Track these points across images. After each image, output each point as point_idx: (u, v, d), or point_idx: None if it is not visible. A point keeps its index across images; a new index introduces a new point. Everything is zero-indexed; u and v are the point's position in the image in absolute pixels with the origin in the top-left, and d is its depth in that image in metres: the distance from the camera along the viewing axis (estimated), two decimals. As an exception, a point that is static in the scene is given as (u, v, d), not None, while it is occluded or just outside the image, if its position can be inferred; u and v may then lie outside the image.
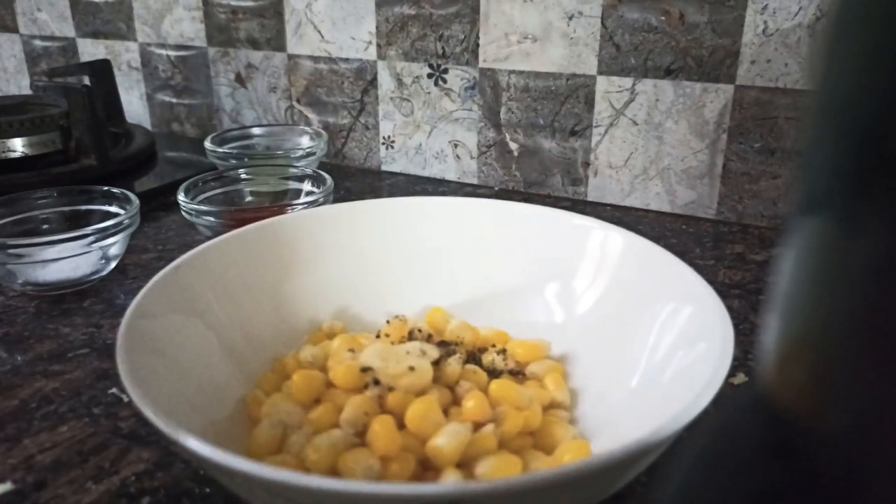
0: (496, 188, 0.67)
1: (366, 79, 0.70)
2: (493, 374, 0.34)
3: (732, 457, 0.13)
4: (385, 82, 0.69)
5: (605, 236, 0.38)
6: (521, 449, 0.30)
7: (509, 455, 0.28)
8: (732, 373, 0.29)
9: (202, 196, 0.54)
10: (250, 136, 0.71)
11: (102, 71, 0.74)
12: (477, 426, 0.29)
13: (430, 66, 0.66)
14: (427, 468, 0.28)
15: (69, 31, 0.87)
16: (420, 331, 0.36)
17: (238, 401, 0.32)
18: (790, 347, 0.12)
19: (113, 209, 0.50)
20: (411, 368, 0.30)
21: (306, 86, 0.74)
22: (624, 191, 0.62)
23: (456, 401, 0.31)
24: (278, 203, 0.56)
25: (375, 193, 0.67)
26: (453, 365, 0.32)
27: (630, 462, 0.23)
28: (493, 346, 0.36)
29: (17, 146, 0.63)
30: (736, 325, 0.28)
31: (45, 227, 0.50)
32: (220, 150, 0.64)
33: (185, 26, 0.78)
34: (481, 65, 0.64)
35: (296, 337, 0.37)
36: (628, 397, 0.31)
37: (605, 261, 0.37)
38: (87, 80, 0.71)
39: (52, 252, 0.44)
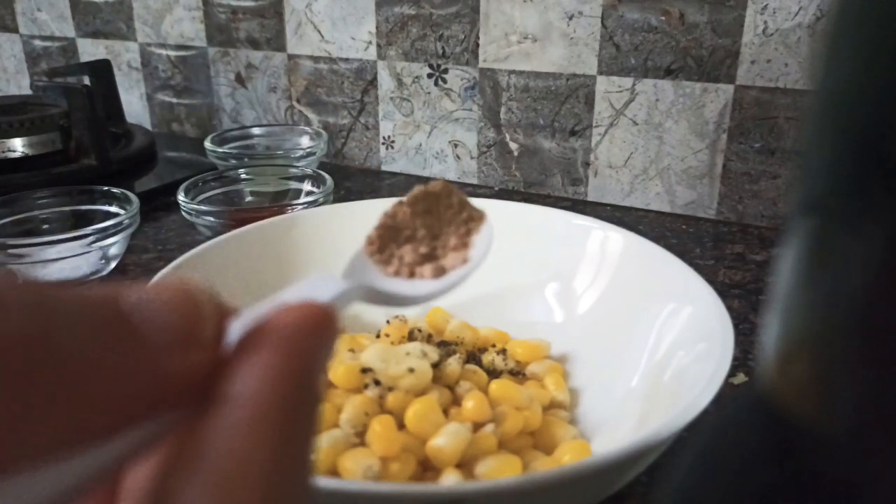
0: (496, 188, 0.67)
1: (366, 79, 0.70)
2: (493, 374, 0.34)
3: (733, 456, 0.13)
4: (385, 82, 0.69)
5: (605, 236, 0.38)
6: (521, 449, 0.30)
7: (509, 455, 0.28)
8: (732, 373, 0.29)
9: (202, 196, 0.54)
10: (250, 136, 0.71)
11: (102, 71, 0.74)
12: (477, 426, 0.29)
13: (430, 66, 0.66)
14: (427, 468, 0.28)
15: (69, 31, 0.87)
16: (420, 331, 0.36)
17: (238, 401, 0.32)
18: (790, 347, 0.12)
19: (113, 209, 0.50)
20: (411, 370, 0.30)
21: (306, 86, 0.74)
22: (624, 191, 0.62)
23: (456, 401, 0.31)
24: (278, 203, 0.56)
25: (375, 193, 0.67)
26: (453, 365, 0.32)
27: (630, 462, 0.23)
28: (493, 346, 0.36)
29: (17, 146, 0.63)
30: (736, 325, 0.28)
31: (45, 227, 0.50)
32: (220, 150, 0.64)
33: (185, 26, 0.78)
34: (481, 65, 0.64)
35: (296, 337, 0.37)
36: (628, 397, 0.31)
37: (605, 261, 0.37)
38: (87, 80, 0.71)
39: (52, 252, 0.44)
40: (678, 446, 0.25)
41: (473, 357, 0.35)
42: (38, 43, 0.90)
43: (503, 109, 0.64)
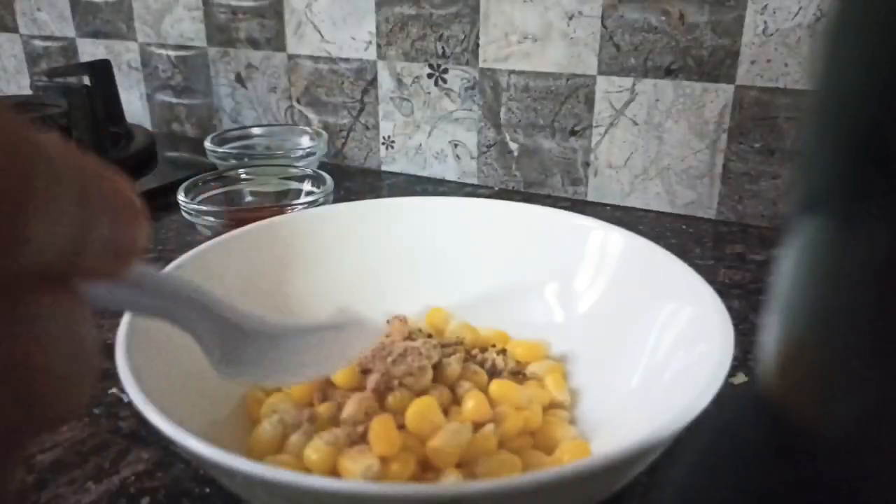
0: (496, 188, 0.67)
1: (366, 79, 0.70)
2: (493, 374, 0.34)
3: (733, 457, 0.13)
4: (385, 82, 0.69)
5: (605, 236, 0.38)
6: (521, 449, 0.30)
7: (509, 455, 0.28)
8: (732, 373, 0.29)
9: (202, 196, 0.54)
10: (250, 136, 0.71)
11: (102, 71, 0.74)
12: (477, 426, 0.29)
13: (430, 66, 0.66)
14: (427, 468, 0.28)
15: (69, 31, 0.87)
16: (420, 331, 0.36)
17: (238, 401, 0.32)
18: (790, 347, 0.12)
19: (113, 209, 0.50)
20: (411, 371, 0.30)
21: (306, 86, 0.74)
22: (624, 191, 0.62)
23: (456, 401, 0.31)
24: (278, 203, 0.56)
25: (375, 193, 0.67)
26: (453, 365, 0.32)
27: (630, 462, 0.23)
28: (493, 346, 0.36)
29: (17, 146, 0.63)
30: (736, 325, 0.28)
31: (45, 227, 0.50)
32: (220, 150, 0.64)
33: (185, 26, 0.78)
34: (481, 65, 0.64)
35: (296, 337, 0.37)
36: (628, 397, 0.31)
37: (605, 261, 0.37)
38: (87, 80, 0.71)
39: (52, 252, 0.44)
40: (678, 446, 0.25)
41: (473, 357, 0.35)
42: (38, 43, 0.90)
43: (503, 109, 0.64)
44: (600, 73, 0.59)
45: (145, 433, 0.33)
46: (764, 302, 0.12)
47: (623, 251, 0.37)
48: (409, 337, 0.36)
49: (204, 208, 0.50)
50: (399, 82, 0.68)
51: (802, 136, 0.11)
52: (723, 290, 0.45)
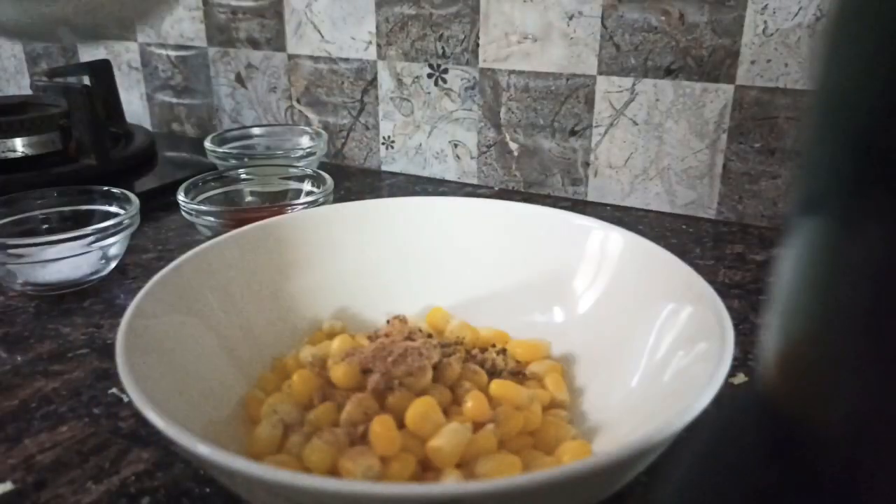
0: (496, 188, 0.67)
1: (366, 79, 0.70)
2: (493, 374, 0.34)
3: (733, 457, 0.13)
4: (385, 82, 0.69)
5: (605, 236, 0.38)
6: (521, 449, 0.30)
7: (509, 455, 0.28)
8: (732, 373, 0.29)
9: (202, 196, 0.54)
10: (250, 136, 0.71)
11: (102, 71, 0.74)
12: (477, 426, 0.29)
13: (430, 66, 0.66)
14: (427, 468, 0.28)
15: (69, 31, 0.87)
16: (420, 331, 0.36)
17: (238, 401, 0.32)
18: (790, 347, 0.12)
19: (113, 209, 0.50)
20: (411, 371, 0.30)
21: (306, 86, 0.74)
22: (624, 191, 0.62)
23: (456, 401, 0.31)
24: (278, 203, 0.56)
25: (375, 193, 0.67)
26: (453, 365, 0.32)
27: (630, 462, 0.23)
28: (493, 346, 0.36)
29: (17, 146, 0.63)
30: (736, 325, 0.28)
31: (45, 227, 0.50)
32: (220, 150, 0.64)
33: (185, 26, 0.78)
34: (481, 65, 0.64)
35: (296, 337, 0.37)
36: (628, 397, 0.31)
37: (605, 261, 0.37)
38: (87, 80, 0.71)
39: (52, 252, 0.44)
40: (678, 446, 0.25)
41: (473, 357, 0.35)
42: (38, 43, 0.90)
43: (503, 109, 0.64)
44: (600, 73, 0.59)
45: (145, 433, 0.33)
46: (764, 302, 0.12)
47: (623, 251, 0.37)
48: (409, 337, 0.36)
49: (204, 208, 0.50)
50: (399, 82, 0.68)
51: (802, 136, 0.11)
52: (723, 290, 0.45)
